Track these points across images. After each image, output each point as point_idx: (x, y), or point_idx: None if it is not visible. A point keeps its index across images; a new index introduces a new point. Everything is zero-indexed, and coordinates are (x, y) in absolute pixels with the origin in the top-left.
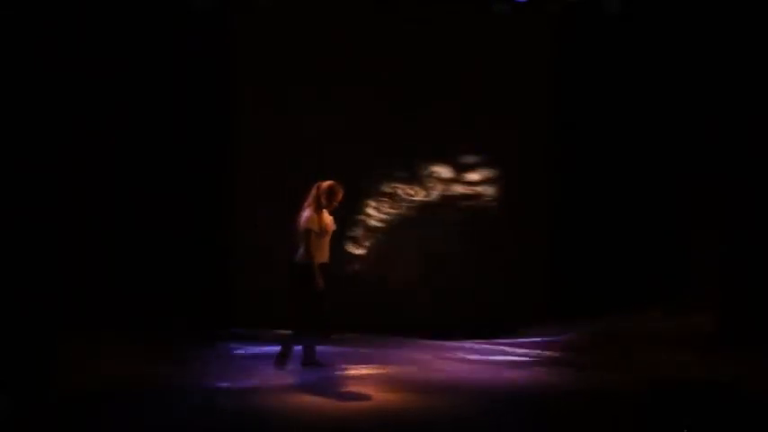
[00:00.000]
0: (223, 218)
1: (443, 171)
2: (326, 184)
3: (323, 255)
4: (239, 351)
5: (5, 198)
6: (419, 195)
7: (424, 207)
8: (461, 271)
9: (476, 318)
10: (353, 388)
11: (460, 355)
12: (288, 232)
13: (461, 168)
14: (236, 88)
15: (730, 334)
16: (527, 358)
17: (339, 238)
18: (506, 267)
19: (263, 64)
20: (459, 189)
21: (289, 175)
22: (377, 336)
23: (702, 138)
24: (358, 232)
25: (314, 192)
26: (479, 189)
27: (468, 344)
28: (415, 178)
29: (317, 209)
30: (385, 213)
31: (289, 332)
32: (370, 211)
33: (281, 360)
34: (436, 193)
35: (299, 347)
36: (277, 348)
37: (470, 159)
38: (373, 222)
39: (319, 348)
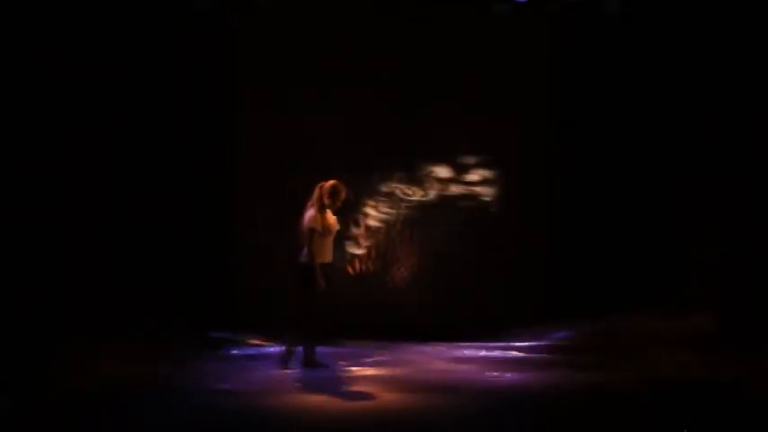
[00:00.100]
0: (223, 218)
1: (443, 171)
2: (329, 183)
3: (325, 255)
4: (239, 351)
5: (5, 198)
6: (419, 195)
7: (424, 207)
8: (461, 271)
9: (476, 318)
10: (354, 388)
11: (460, 354)
12: (288, 232)
13: (461, 168)
14: (236, 88)
15: (730, 334)
16: (527, 358)
17: (339, 238)
18: (506, 267)
19: (263, 64)
20: (458, 189)
21: (289, 175)
22: (377, 336)
23: (702, 138)
24: (358, 232)
25: (317, 192)
26: (479, 189)
27: (467, 344)
28: (414, 178)
29: (321, 209)
30: (385, 213)
31: (290, 332)
32: (370, 211)
33: (284, 360)
34: (436, 192)
35: (300, 348)
36: (277, 349)
37: (470, 159)
38: (373, 222)
39: (319, 348)
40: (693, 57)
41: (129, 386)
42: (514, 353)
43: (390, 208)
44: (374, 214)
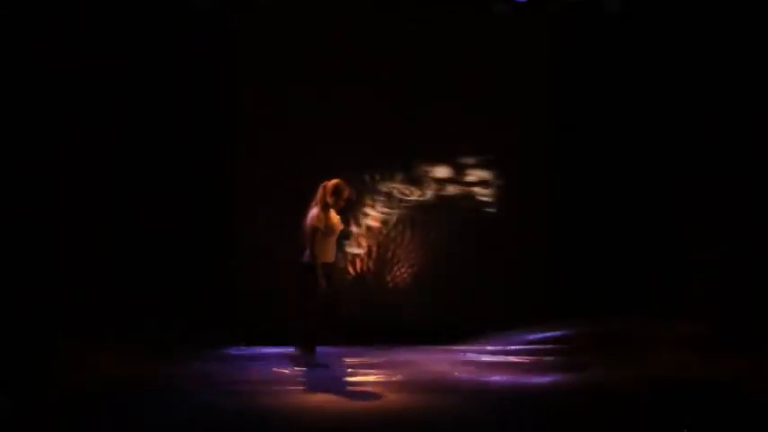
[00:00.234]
0: (223, 218)
1: (443, 171)
2: (332, 182)
3: (327, 254)
4: (239, 351)
5: (5, 198)
6: (418, 195)
7: (424, 207)
8: (461, 271)
9: (476, 318)
10: (354, 388)
11: (461, 355)
12: (288, 232)
13: (461, 168)
14: (236, 88)
15: (730, 334)
16: (527, 358)
17: (338, 238)
18: (506, 267)
19: (263, 64)
20: (458, 189)
21: (289, 175)
22: (377, 336)
23: (702, 138)
24: (358, 232)
25: (320, 191)
26: (479, 189)
27: (468, 344)
28: (414, 178)
29: (324, 208)
30: (384, 213)
31: (293, 332)
32: (370, 211)
33: (291, 360)
34: (436, 193)
35: (300, 348)
36: (276, 349)
37: (470, 159)
38: (373, 222)
39: (319, 348)
40: (693, 57)
41: (129, 386)
42: (514, 353)
43: (390, 208)
44: (374, 214)
